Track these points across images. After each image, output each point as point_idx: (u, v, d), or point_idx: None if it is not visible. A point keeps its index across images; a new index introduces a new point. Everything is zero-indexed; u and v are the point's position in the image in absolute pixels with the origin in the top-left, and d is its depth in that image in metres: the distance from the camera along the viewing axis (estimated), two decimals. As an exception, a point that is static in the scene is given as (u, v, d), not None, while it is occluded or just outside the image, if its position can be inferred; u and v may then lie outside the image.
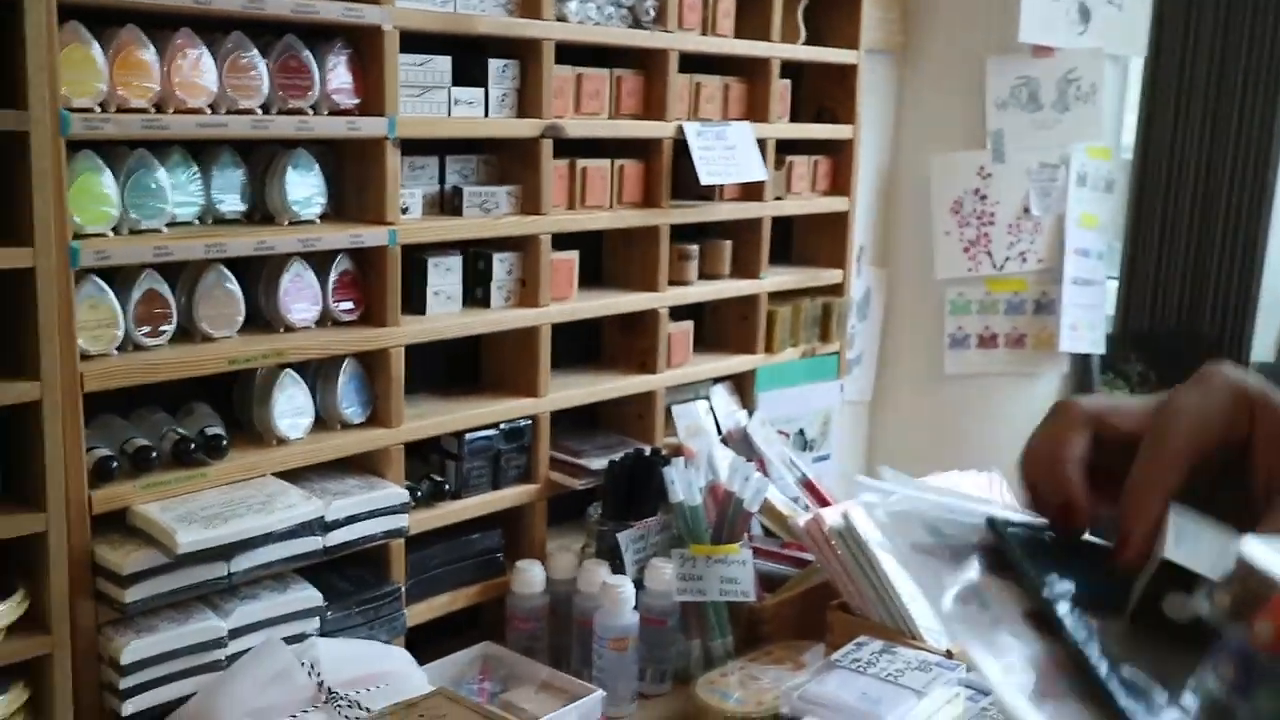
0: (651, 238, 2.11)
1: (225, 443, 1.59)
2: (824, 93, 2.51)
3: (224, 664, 1.54)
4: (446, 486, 1.87)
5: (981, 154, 2.85)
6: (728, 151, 2.17)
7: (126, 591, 1.45)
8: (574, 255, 2.02)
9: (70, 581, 1.43)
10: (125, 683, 1.46)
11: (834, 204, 2.50)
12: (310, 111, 1.62)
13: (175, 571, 1.47)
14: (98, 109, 1.42)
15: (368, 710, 1.49)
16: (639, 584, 1.88)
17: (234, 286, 1.60)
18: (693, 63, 2.14)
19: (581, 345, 2.19)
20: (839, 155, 2.51)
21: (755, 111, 2.28)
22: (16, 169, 1.33)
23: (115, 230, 1.48)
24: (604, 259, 2.19)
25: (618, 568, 1.91)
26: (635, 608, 1.83)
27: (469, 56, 1.82)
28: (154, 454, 1.52)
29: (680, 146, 2.11)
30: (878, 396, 2.99)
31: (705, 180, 2.10)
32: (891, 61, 2.84)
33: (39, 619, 1.42)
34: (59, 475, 1.41)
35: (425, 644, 1.82)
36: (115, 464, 1.49)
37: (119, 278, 1.50)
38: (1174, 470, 0.59)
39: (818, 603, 1.91)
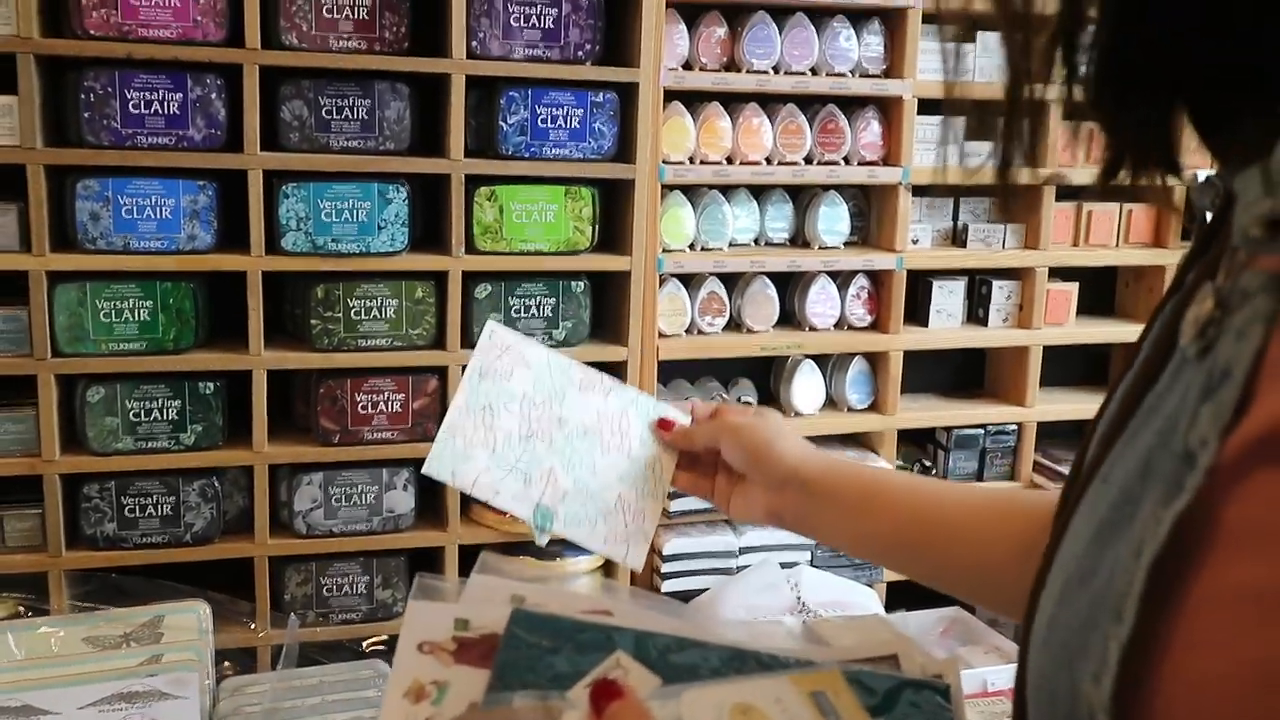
0: (1157, 275, 2.31)
1: (754, 407, 2.12)
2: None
3: (733, 571, 2.08)
4: (933, 470, 2.26)
5: None
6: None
7: (670, 504, 2.03)
8: (1072, 286, 2.29)
9: (637, 490, 2.05)
10: (665, 568, 2.06)
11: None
12: (842, 162, 2.10)
13: (705, 495, 2.04)
14: (686, 162, 2.02)
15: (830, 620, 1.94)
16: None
17: (772, 293, 2.13)
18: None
19: (1086, 368, 2.44)
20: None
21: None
22: (626, 204, 1.96)
23: (690, 248, 2.08)
24: (1116, 293, 2.42)
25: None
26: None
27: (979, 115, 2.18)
28: (703, 410, 2.10)
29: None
30: None
31: (1216, 225, 2.25)
32: None
33: (615, 513, 2.06)
34: (636, 415, 2.03)
35: (904, 597, 2.22)
36: (675, 413, 2.09)
37: (690, 281, 2.09)
38: None
39: None
